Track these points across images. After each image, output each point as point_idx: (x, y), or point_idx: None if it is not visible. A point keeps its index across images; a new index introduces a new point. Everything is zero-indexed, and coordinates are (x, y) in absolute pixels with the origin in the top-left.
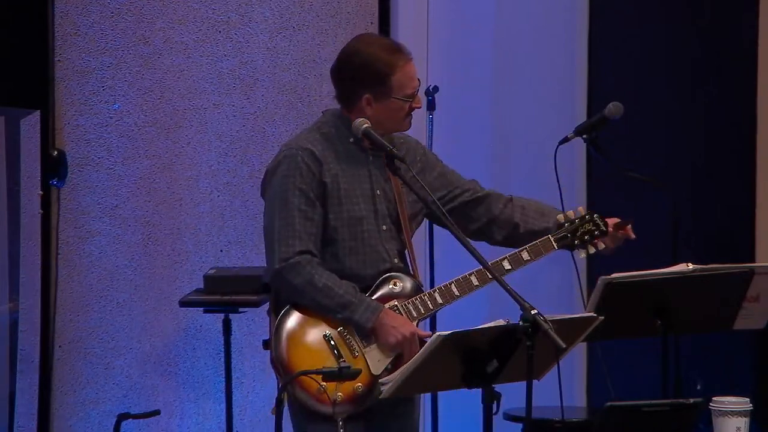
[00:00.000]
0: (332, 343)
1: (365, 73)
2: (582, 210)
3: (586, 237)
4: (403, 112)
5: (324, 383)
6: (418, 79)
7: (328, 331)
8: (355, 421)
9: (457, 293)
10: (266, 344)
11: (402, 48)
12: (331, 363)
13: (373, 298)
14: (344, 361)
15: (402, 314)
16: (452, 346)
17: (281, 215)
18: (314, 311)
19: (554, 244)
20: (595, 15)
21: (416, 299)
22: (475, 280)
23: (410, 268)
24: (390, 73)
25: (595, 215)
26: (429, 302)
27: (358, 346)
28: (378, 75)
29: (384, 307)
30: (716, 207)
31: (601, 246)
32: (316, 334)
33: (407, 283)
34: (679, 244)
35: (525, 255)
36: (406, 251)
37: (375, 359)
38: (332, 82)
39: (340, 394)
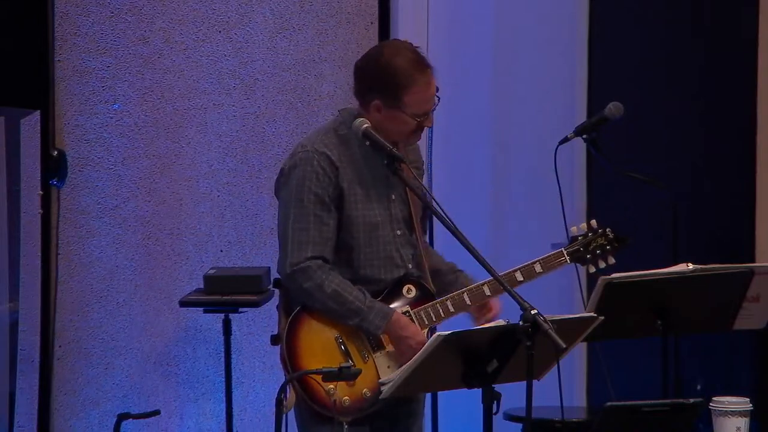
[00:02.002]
0: (343, 345)
1: (382, 79)
2: (595, 223)
3: (598, 251)
4: (409, 128)
5: (332, 386)
6: (438, 97)
7: (339, 333)
8: (360, 424)
9: (469, 303)
10: (274, 339)
11: (428, 67)
12: None
13: (389, 307)
14: (353, 364)
15: (414, 321)
16: (452, 346)
17: (296, 218)
18: (325, 315)
19: (567, 258)
20: (595, 15)
21: (428, 307)
22: (487, 291)
23: (423, 273)
24: (406, 88)
25: (607, 229)
26: (441, 310)
27: (368, 351)
28: (393, 86)
29: (395, 312)
30: (716, 207)
31: (612, 261)
32: (327, 336)
33: (420, 290)
34: (679, 243)
35: (537, 267)
36: (418, 254)
37: (384, 365)
38: (353, 75)
39: (346, 398)
